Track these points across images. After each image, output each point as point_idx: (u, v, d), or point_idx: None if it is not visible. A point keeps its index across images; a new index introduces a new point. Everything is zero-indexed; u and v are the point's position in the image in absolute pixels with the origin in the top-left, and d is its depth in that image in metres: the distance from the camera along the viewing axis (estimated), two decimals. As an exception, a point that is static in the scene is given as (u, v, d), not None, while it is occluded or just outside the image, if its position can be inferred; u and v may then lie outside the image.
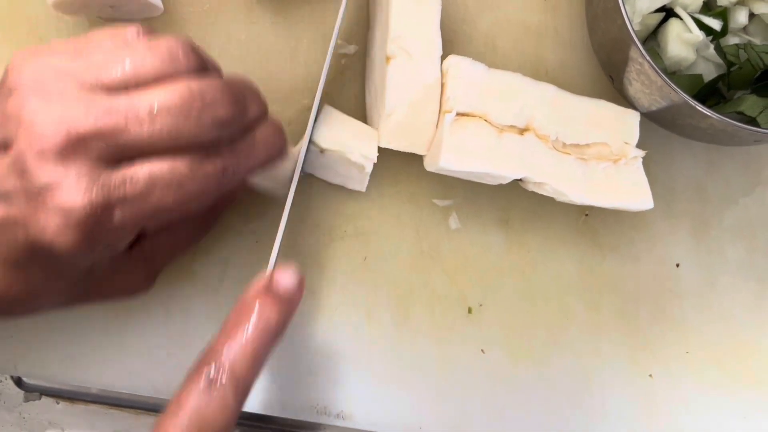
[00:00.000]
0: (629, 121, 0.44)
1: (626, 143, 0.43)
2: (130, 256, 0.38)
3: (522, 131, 0.43)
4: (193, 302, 0.47)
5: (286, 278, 0.38)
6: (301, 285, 0.39)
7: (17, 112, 0.32)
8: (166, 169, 0.33)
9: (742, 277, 0.48)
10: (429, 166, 0.45)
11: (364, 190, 0.47)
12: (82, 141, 0.31)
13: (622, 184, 0.43)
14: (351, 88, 0.48)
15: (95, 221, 0.32)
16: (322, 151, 0.44)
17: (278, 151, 0.38)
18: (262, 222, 0.47)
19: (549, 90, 0.44)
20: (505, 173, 0.43)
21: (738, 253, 0.48)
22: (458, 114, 0.42)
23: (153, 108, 0.32)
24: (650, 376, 0.48)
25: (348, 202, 0.48)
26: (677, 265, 0.48)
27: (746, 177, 0.48)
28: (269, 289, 0.38)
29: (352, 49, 0.47)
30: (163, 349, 0.48)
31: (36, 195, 0.31)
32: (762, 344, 0.48)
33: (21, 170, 0.31)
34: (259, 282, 0.38)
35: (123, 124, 0.32)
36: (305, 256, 0.48)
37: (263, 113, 0.38)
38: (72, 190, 0.31)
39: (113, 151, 0.32)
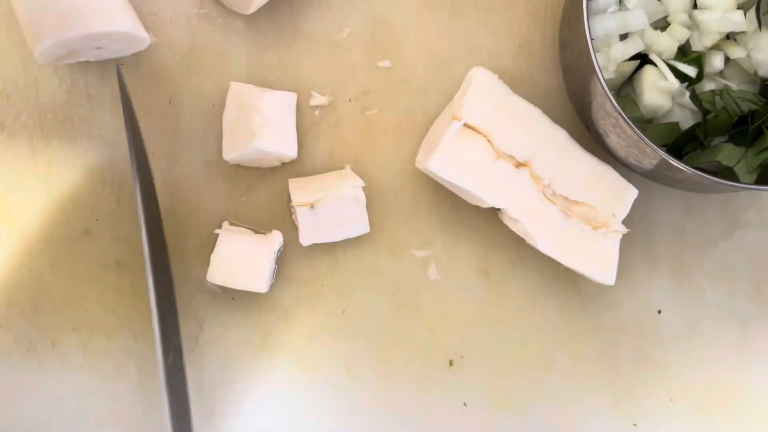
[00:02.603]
0: (625, 196, 0.44)
1: (613, 215, 0.43)
2: None
3: (519, 165, 0.43)
4: (169, 362, 0.46)
5: None
6: None
7: None
8: None
9: (723, 320, 0.48)
10: (419, 163, 0.44)
11: (368, 230, 0.45)
12: None
13: (594, 251, 0.43)
14: (325, 139, 0.47)
15: None
16: (312, 206, 0.43)
17: None
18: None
19: (561, 136, 0.43)
20: (486, 198, 0.43)
21: (718, 297, 0.48)
22: (465, 125, 0.42)
23: None
24: (634, 425, 0.47)
25: (324, 254, 0.47)
26: (659, 312, 0.47)
27: (724, 221, 0.48)
28: None
29: (325, 100, 0.47)
30: (139, 409, 0.47)
31: None
32: (745, 386, 0.48)
33: None
34: None
35: None
36: (281, 310, 0.47)
37: None
38: None
39: None
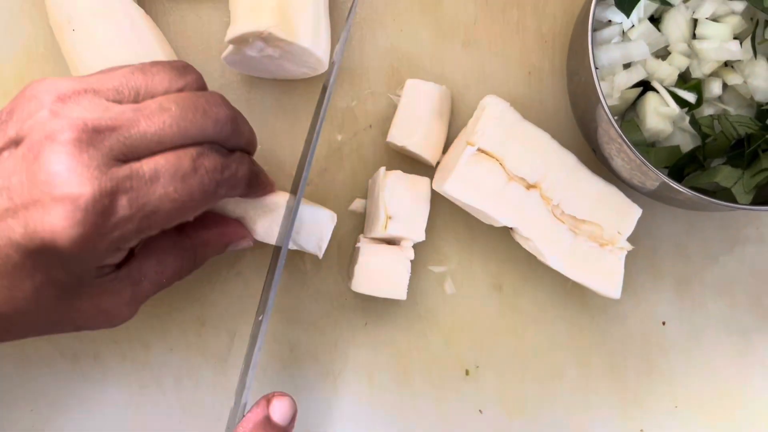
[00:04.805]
0: (629, 215, 0.46)
1: (619, 233, 0.46)
2: (118, 276, 0.38)
3: (529, 186, 0.46)
4: (202, 372, 0.50)
5: (283, 410, 0.40)
6: (295, 415, 0.41)
7: (36, 111, 0.33)
8: (171, 160, 0.34)
9: (725, 331, 0.50)
10: (436, 185, 0.47)
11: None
12: (97, 133, 0.32)
13: (600, 267, 0.46)
14: (348, 161, 0.50)
15: (101, 211, 0.32)
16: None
17: (263, 180, 0.42)
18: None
19: (569, 159, 0.46)
20: (499, 218, 0.46)
21: (720, 309, 0.50)
22: (479, 150, 0.45)
23: (162, 104, 0.35)
24: (641, 431, 0.50)
25: (347, 273, 0.50)
26: (663, 323, 0.50)
27: (725, 237, 0.50)
28: (267, 424, 0.39)
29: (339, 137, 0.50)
30: (174, 419, 0.50)
31: (44, 184, 0.31)
32: (746, 394, 0.50)
33: (33, 158, 0.32)
34: (254, 415, 0.40)
35: (134, 118, 0.34)
36: (307, 323, 0.50)
37: (252, 140, 0.41)
38: (82, 178, 0.31)
39: (124, 146, 0.33)
